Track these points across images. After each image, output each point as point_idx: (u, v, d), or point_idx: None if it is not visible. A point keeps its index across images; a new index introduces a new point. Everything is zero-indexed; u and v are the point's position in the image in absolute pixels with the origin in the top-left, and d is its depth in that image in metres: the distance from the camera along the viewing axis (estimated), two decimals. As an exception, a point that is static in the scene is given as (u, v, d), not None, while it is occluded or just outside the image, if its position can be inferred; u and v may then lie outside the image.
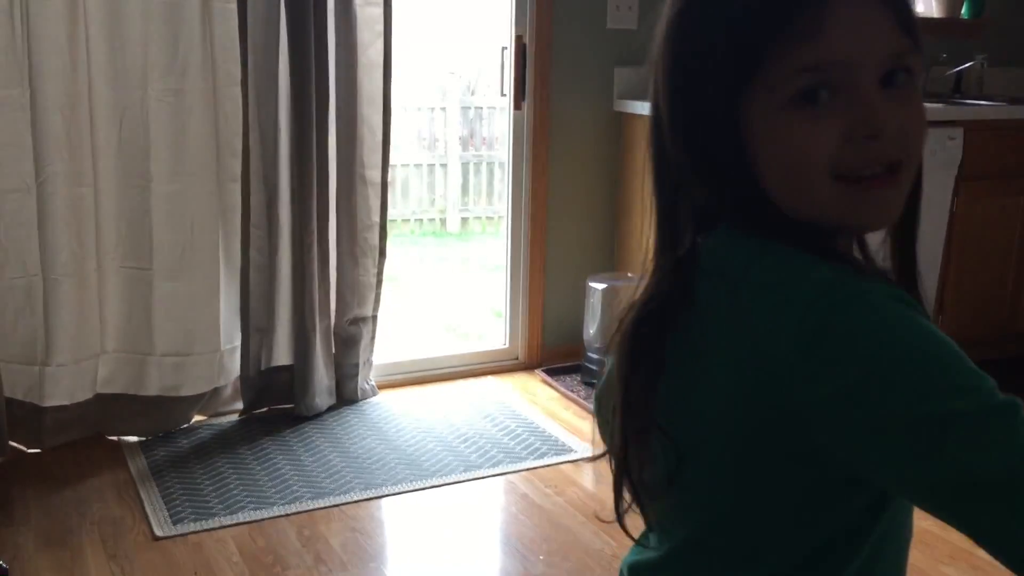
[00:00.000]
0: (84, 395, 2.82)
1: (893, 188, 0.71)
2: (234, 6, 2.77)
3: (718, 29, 0.71)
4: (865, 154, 0.69)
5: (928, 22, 4.03)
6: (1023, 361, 3.69)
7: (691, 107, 0.74)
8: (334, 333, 3.11)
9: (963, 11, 4.03)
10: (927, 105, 3.12)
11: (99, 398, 2.87)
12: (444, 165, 6.82)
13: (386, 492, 2.60)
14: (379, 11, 2.95)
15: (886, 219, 0.73)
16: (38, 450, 2.78)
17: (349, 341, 3.13)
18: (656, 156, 0.78)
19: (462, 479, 2.68)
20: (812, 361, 0.65)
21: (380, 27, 2.96)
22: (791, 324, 0.67)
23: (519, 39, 3.32)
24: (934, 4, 4.06)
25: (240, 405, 3.06)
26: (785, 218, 0.72)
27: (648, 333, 0.77)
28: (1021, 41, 4.17)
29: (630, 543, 0.89)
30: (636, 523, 0.86)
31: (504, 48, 3.37)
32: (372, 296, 3.14)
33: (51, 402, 2.76)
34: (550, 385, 3.38)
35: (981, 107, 3.53)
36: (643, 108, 3.33)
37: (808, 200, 0.71)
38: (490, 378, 3.46)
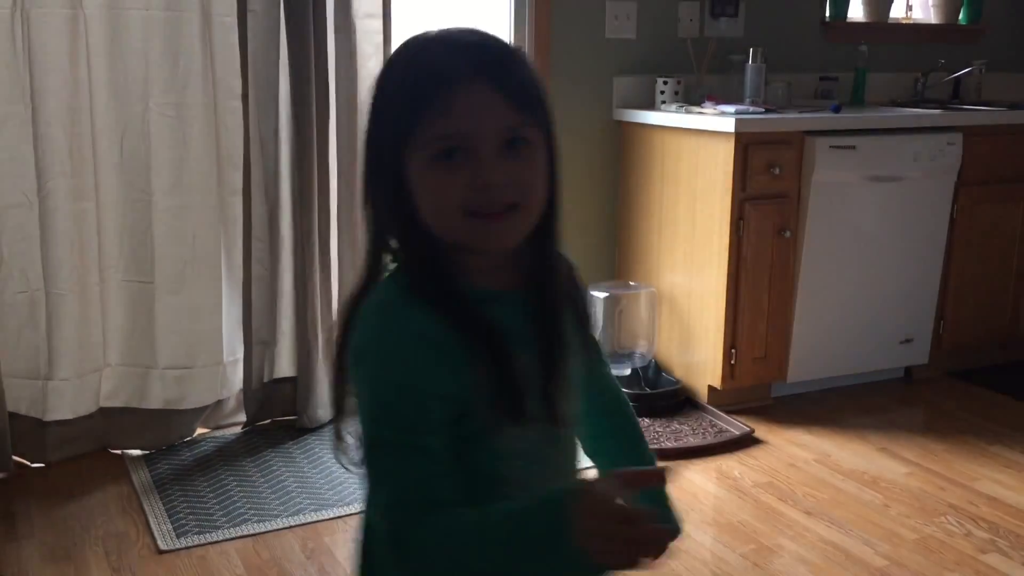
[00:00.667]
0: (87, 409, 2.83)
1: (509, 222, 0.95)
2: (234, 19, 2.78)
3: (386, 104, 0.96)
4: (484, 198, 0.93)
5: (926, 28, 4.05)
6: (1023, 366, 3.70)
7: (373, 164, 0.98)
8: (336, 344, 3.11)
9: (961, 17, 4.05)
10: (922, 112, 3.15)
11: (102, 412, 2.87)
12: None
13: (390, 503, 2.59)
14: (378, 23, 2.96)
15: (507, 243, 0.97)
16: (42, 464, 2.78)
17: (351, 352, 3.12)
18: (362, 202, 1.01)
19: (465, 489, 2.68)
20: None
21: (380, 39, 2.97)
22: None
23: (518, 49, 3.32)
24: (932, 10, 4.08)
25: (243, 417, 3.06)
26: (425, 251, 0.97)
27: None
28: (1019, 47, 4.19)
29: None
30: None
31: (503, 58, 3.38)
32: (374, 307, 3.14)
33: (54, 416, 2.76)
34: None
35: (979, 112, 3.53)
36: (643, 117, 3.34)
37: (449, 232, 0.95)
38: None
